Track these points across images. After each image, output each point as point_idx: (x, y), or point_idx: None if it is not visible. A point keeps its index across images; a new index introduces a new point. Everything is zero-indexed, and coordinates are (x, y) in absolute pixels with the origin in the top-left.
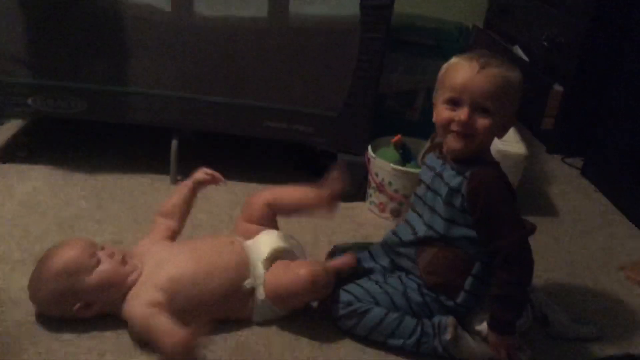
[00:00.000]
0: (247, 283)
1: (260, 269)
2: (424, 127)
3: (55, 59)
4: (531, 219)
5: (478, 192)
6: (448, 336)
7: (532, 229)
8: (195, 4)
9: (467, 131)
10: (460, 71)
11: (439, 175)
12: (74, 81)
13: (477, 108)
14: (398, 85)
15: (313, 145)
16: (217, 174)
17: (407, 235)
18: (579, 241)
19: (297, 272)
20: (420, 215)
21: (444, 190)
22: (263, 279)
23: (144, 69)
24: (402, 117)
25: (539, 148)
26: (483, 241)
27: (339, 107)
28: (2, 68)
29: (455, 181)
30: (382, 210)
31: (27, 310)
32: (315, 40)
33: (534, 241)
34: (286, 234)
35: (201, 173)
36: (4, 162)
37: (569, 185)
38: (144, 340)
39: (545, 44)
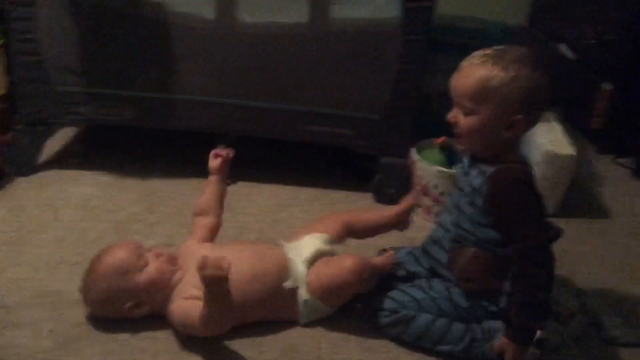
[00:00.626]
0: (287, 284)
1: (301, 269)
2: None
3: (106, 68)
4: (582, 220)
5: (495, 192)
6: (498, 342)
7: (555, 234)
8: (239, 12)
9: (456, 131)
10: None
11: (466, 174)
12: (124, 89)
13: (461, 108)
14: (441, 87)
15: (355, 148)
16: (224, 151)
17: (441, 237)
18: (632, 243)
19: (341, 263)
20: (450, 214)
21: (468, 189)
22: (305, 279)
23: (190, 76)
24: (446, 119)
25: (589, 148)
26: (504, 243)
27: (381, 110)
28: (56, 78)
29: (477, 181)
30: (427, 213)
31: (84, 312)
32: (356, 44)
33: (585, 244)
34: (329, 237)
35: (212, 160)
36: (59, 169)
37: (621, 186)
38: (184, 334)
39: (593, 41)
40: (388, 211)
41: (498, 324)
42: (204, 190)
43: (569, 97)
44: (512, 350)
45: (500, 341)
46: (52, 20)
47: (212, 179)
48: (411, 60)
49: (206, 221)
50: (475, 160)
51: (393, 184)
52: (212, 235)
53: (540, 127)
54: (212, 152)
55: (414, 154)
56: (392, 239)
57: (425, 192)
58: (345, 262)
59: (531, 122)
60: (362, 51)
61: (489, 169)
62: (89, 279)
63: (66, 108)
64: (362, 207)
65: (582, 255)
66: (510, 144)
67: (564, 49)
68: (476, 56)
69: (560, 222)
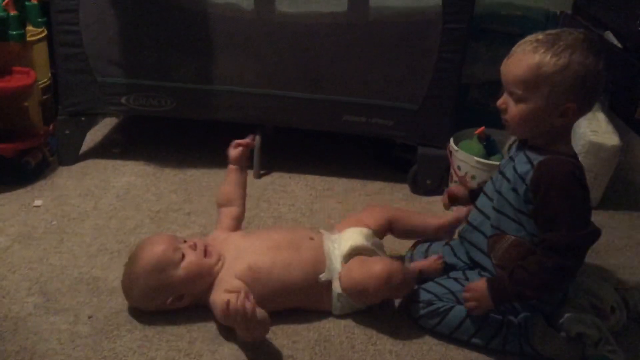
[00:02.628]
0: (322, 276)
1: (337, 263)
2: None
3: (146, 60)
4: (625, 213)
5: (541, 180)
6: (535, 335)
7: (593, 235)
8: (277, 2)
9: (505, 117)
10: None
11: (512, 159)
12: (164, 80)
13: (511, 95)
14: (482, 76)
15: (393, 138)
16: (244, 141)
17: (480, 222)
18: None
19: (372, 268)
20: (490, 200)
21: (511, 175)
22: (339, 274)
23: (228, 67)
24: (486, 109)
25: (634, 138)
26: (539, 233)
27: (419, 100)
28: (98, 69)
29: (523, 168)
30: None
31: (123, 299)
32: (395, 33)
33: (628, 238)
34: (371, 233)
35: (232, 150)
36: (100, 158)
37: None
38: (227, 326)
39: (639, 28)
40: (435, 220)
41: (536, 318)
42: (224, 180)
43: (614, 86)
44: (481, 296)
45: (475, 283)
46: (94, 12)
47: (232, 168)
48: (451, 50)
49: (230, 210)
50: (523, 146)
51: (430, 175)
52: (237, 224)
53: (583, 117)
54: (234, 142)
55: (452, 145)
56: None
57: (463, 182)
58: (374, 268)
59: (584, 109)
60: (401, 41)
61: (538, 157)
62: (129, 278)
63: (107, 99)
64: (397, 198)
65: (624, 249)
66: (561, 132)
67: (609, 36)
68: (528, 41)
69: (602, 214)
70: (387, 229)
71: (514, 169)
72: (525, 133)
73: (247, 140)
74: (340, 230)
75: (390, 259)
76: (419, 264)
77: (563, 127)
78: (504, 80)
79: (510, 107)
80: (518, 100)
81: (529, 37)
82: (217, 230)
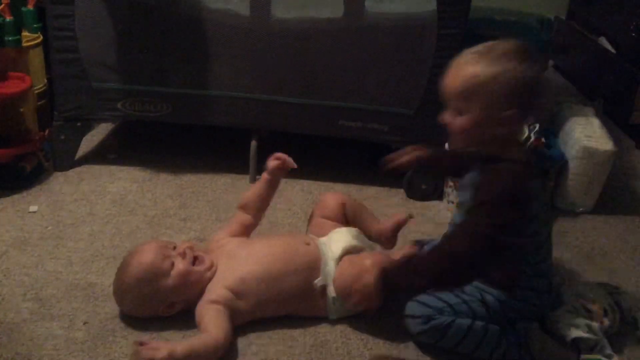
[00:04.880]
0: (318, 281)
1: (331, 267)
2: None
3: (142, 65)
4: (619, 217)
5: (482, 186)
6: (534, 345)
7: (512, 247)
8: (273, 7)
9: (449, 131)
10: None
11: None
12: (160, 86)
13: (452, 108)
14: None
15: (388, 143)
16: (287, 158)
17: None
18: None
19: (363, 264)
20: (459, 213)
21: (467, 186)
22: (333, 277)
23: (225, 72)
24: None
25: (628, 143)
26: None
27: (415, 105)
28: (95, 75)
29: (474, 179)
30: None
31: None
32: (391, 38)
33: (622, 241)
34: (359, 233)
35: (272, 160)
36: (96, 164)
37: None
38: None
39: (633, 34)
40: (377, 224)
41: (534, 328)
42: (253, 187)
43: (609, 91)
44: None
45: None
46: (90, 17)
47: (264, 177)
48: (446, 55)
49: (243, 217)
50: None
51: (425, 180)
52: (245, 232)
53: (577, 122)
54: (275, 154)
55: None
56: (425, 236)
57: (457, 188)
58: (365, 263)
59: (525, 116)
60: (396, 46)
61: (484, 166)
62: (120, 287)
63: (103, 104)
64: (393, 202)
65: (618, 253)
66: (507, 140)
67: (603, 42)
68: (465, 54)
69: (596, 219)
70: (344, 213)
71: (468, 180)
72: (469, 144)
73: (289, 160)
74: (319, 232)
75: (377, 252)
76: (396, 254)
77: (508, 135)
78: (444, 95)
79: (454, 121)
80: (458, 112)
81: (465, 51)
82: (222, 231)
